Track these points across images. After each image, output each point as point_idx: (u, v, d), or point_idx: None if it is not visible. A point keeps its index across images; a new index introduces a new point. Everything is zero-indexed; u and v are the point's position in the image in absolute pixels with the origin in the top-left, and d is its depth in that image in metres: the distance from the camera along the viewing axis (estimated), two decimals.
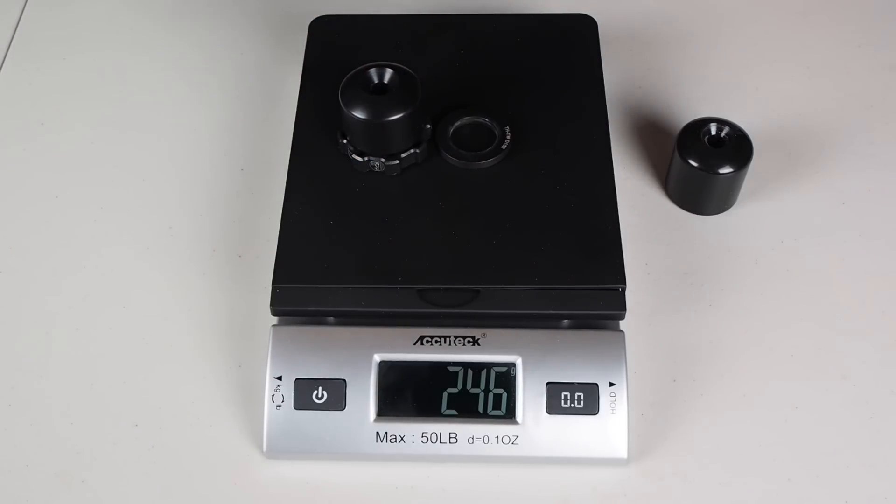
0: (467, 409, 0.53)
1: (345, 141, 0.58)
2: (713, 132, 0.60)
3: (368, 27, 0.66)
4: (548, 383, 0.53)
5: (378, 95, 0.56)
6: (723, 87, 0.69)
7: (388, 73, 0.56)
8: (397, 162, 0.57)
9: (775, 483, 0.53)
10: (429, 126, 0.58)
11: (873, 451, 0.54)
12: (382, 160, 0.57)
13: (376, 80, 0.56)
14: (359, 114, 0.55)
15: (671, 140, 0.66)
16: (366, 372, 0.53)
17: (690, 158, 0.60)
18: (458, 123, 0.59)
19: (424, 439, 0.53)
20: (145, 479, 0.54)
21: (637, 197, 0.64)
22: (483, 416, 0.53)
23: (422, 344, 0.53)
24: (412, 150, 0.57)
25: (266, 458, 0.54)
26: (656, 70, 0.70)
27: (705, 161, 0.60)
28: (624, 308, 0.53)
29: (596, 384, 0.53)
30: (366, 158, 0.57)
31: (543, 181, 0.58)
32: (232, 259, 0.61)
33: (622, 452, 0.52)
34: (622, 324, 0.55)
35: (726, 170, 0.59)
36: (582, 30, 0.65)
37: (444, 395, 0.53)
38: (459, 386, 0.53)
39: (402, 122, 0.55)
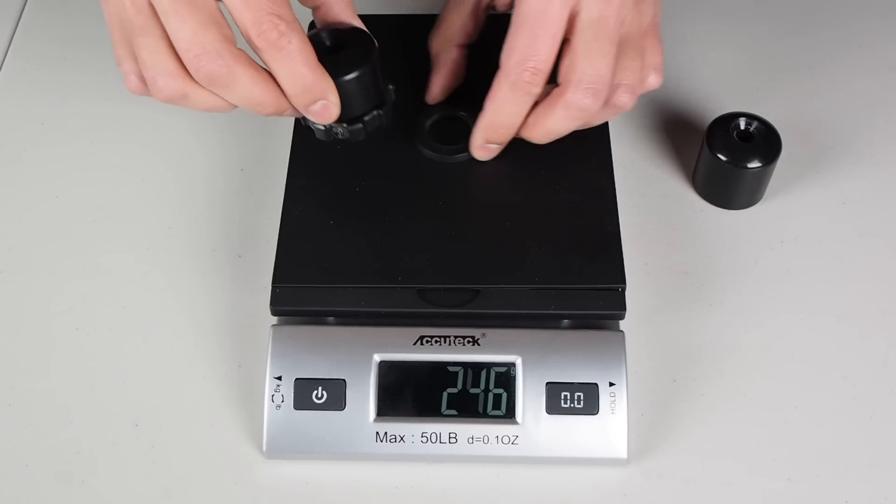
0: (467, 409, 0.53)
1: None
2: (742, 127, 0.61)
3: (368, 27, 0.66)
4: (548, 383, 0.53)
5: (332, 56, 0.52)
6: (722, 87, 0.69)
7: (341, 33, 0.53)
8: (360, 126, 0.54)
9: (775, 483, 0.53)
10: (391, 87, 0.55)
11: (873, 451, 0.54)
12: (344, 125, 0.53)
13: (329, 43, 0.53)
14: None
15: (670, 139, 0.66)
16: (366, 372, 0.53)
17: (719, 153, 0.60)
18: (434, 117, 0.59)
19: (424, 439, 0.53)
20: (145, 479, 0.54)
21: (637, 196, 0.64)
22: (483, 416, 0.53)
23: (422, 344, 0.53)
24: (375, 112, 0.54)
25: (266, 458, 0.54)
26: None
27: (734, 155, 0.60)
28: (624, 308, 0.53)
29: (596, 384, 0.53)
30: (327, 126, 0.54)
31: (543, 181, 0.58)
32: (232, 259, 0.61)
33: (622, 452, 0.52)
34: (622, 324, 0.55)
35: (755, 164, 0.60)
36: None
37: (444, 395, 0.53)
38: (459, 386, 0.53)
39: (358, 81, 0.52)
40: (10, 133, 0.68)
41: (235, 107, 0.50)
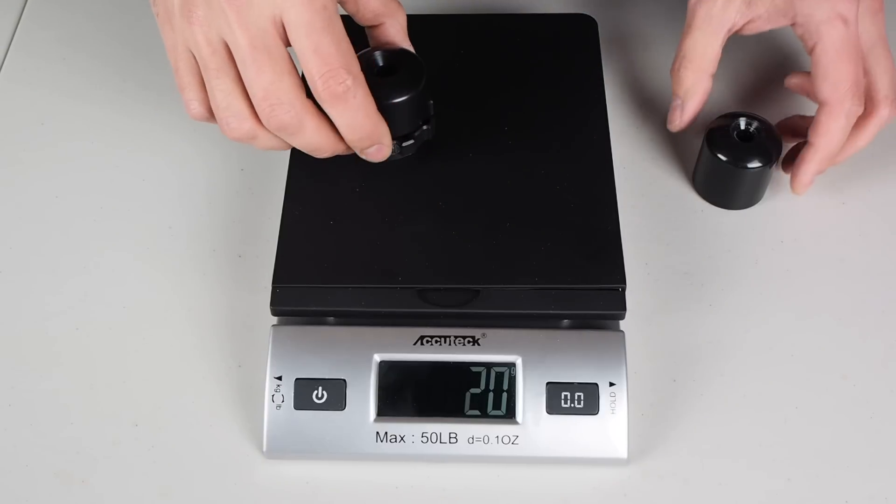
0: (467, 409, 0.53)
1: None
2: (742, 126, 0.61)
3: None
4: (548, 383, 0.53)
5: (387, 77, 0.54)
6: (722, 87, 0.69)
7: (391, 54, 0.55)
8: (412, 142, 0.56)
9: (775, 483, 0.53)
10: (431, 101, 0.56)
11: (873, 451, 0.54)
12: (398, 142, 0.55)
13: (381, 63, 0.55)
14: (379, 98, 0.54)
15: (670, 139, 0.66)
16: (366, 372, 0.53)
17: (719, 153, 0.60)
18: None
19: (424, 439, 0.53)
20: (145, 479, 0.54)
21: (637, 196, 0.64)
22: (483, 416, 0.53)
23: (422, 344, 0.53)
24: (424, 128, 0.56)
25: (266, 458, 0.54)
26: (656, 70, 0.70)
27: (734, 155, 0.60)
28: (624, 308, 0.53)
29: (596, 384, 0.53)
30: None
31: (543, 181, 0.58)
32: (232, 259, 0.61)
33: (622, 452, 0.52)
34: (622, 324, 0.55)
35: (755, 164, 0.60)
36: (582, 30, 0.65)
37: (445, 394, 0.53)
38: (460, 386, 0.53)
39: (411, 104, 0.54)
40: (10, 133, 0.68)
41: (293, 147, 0.52)
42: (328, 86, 0.48)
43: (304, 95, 0.49)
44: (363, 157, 0.53)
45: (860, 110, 0.58)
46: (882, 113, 0.59)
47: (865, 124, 0.60)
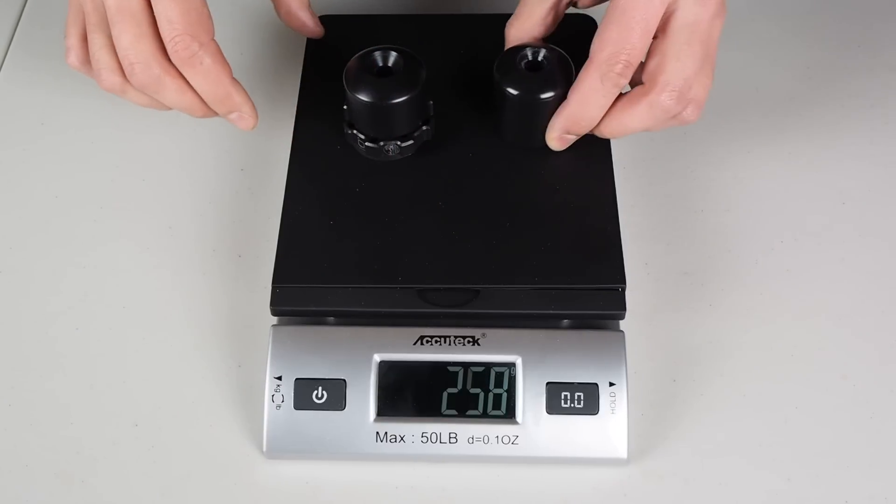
0: (467, 409, 0.53)
1: (354, 131, 0.57)
2: (530, 57, 0.57)
3: (368, 27, 0.66)
4: (548, 383, 0.53)
5: (387, 77, 0.55)
6: (722, 86, 0.69)
7: (391, 53, 0.56)
8: (412, 142, 0.57)
9: (775, 483, 0.53)
10: (430, 102, 0.57)
11: (873, 451, 0.54)
12: (398, 143, 0.56)
13: (381, 63, 0.56)
14: (371, 98, 0.54)
15: (670, 139, 0.66)
16: (366, 372, 0.53)
17: (510, 87, 0.56)
18: None
19: (424, 439, 0.53)
20: (145, 479, 0.54)
21: (637, 197, 0.64)
22: (483, 416, 0.53)
23: (422, 344, 0.53)
24: (423, 128, 0.57)
25: (266, 458, 0.54)
26: None
27: (525, 87, 0.56)
28: (624, 308, 0.53)
29: (596, 384, 0.53)
30: (380, 144, 0.57)
31: (543, 181, 0.58)
32: (232, 259, 0.61)
33: (622, 452, 0.52)
34: (622, 324, 0.55)
35: (548, 94, 0.56)
36: (582, 30, 0.65)
37: (444, 395, 0.53)
38: (459, 386, 0.53)
39: (409, 104, 0.55)
40: (11, 132, 0.68)
41: (171, 108, 0.57)
42: (175, 50, 0.53)
43: (162, 57, 0.54)
44: (232, 124, 0.58)
45: (621, 82, 0.53)
46: (658, 99, 0.53)
47: (637, 104, 0.54)
